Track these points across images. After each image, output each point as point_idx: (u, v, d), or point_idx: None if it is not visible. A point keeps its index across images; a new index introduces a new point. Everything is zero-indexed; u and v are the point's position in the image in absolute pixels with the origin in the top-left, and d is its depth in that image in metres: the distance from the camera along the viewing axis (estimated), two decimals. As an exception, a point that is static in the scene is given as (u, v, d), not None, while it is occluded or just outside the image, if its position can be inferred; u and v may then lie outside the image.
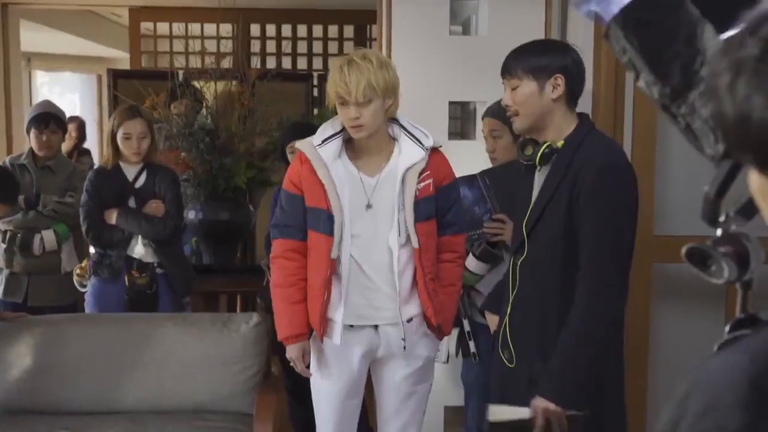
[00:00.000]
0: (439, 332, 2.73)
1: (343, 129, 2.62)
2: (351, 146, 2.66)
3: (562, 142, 2.31)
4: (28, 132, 4.29)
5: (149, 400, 3.33)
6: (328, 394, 2.74)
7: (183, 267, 4.00)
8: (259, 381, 3.40)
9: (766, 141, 0.69)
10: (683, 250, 1.04)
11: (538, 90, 2.31)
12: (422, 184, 2.61)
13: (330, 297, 2.62)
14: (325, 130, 2.64)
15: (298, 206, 2.64)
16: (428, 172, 2.62)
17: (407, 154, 2.61)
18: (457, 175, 2.80)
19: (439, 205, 2.67)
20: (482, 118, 3.20)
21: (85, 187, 3.84)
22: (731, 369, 0.73)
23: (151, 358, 3.35)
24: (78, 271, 3.98)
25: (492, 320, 2.73)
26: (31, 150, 4.26)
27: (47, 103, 4.51)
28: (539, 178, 2.38)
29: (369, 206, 2.61)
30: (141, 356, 3.35)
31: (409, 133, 2.64)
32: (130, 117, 3.76)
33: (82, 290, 3.96)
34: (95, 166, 5.30)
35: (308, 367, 2.71)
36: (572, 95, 2.34)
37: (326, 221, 2.57)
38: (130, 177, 3.83)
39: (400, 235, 2.60)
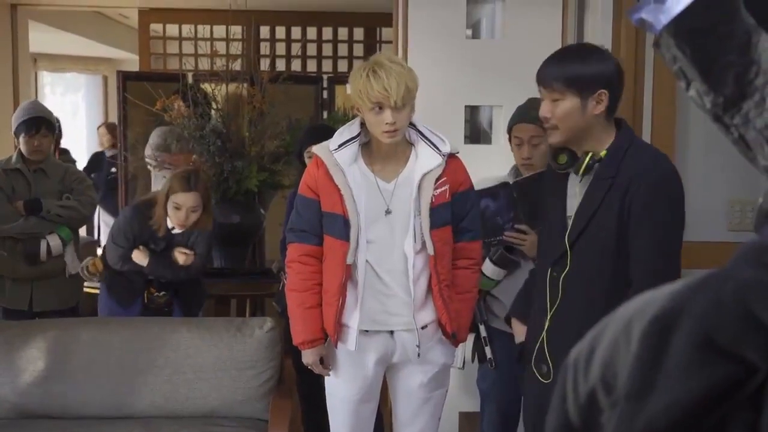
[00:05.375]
0: (454, 339, 2.70)
1: (360, 133, 2.59)
2: (367, 151, 2.62)
3: (605, 151, 2.25)
4: (17, 136, 4.13)
5: (162, 405, 3.31)
6: (343, 398, 2.73)
7: (197, 287, 4.01)
8: (273, 386, 3.37)
9: None
10: None
11: (581, 106, 2.22)
12: (438, 191, 2.57)
13: (345, 303, 2.59)
14: (342, 134, 2.60)
15: (314, 211, 2.61)
16: (445, 179, 2.58)
17: (424, 160, 2.58)
18: (472, 179, 2.74)
19: (455, 211, 2.63)
20: (515, 123, 3.00)
21: (123, 228, 3.71)
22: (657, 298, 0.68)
23: (164, 363, 3.32)
24: (90, 268, 3.91)
25: (519, 330, 2.61)
26: (20, 153, 4.11)
27: (36, 107, 4.30)
28: (579, 188, 2.30)
29: (389, 212, 2.58)
30: (154, 361, 3.32)
31: (426, 138, 2.60)
32: (185, 189, 3.58)
33: (91, 286, 3.93)
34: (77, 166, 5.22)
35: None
36: (613, 106, 2.27)
37: (342, 226, 2.55)
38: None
39: (415, 242, 2.57)
